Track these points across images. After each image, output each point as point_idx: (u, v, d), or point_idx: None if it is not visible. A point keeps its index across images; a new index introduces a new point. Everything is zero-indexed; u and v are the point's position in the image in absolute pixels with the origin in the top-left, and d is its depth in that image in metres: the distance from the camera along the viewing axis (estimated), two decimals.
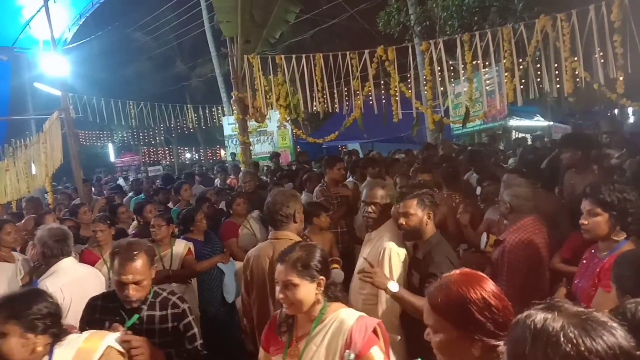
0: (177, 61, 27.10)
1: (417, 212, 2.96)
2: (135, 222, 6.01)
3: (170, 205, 6.99)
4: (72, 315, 2.96)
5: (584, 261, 2.68)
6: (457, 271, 1.56)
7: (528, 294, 2.76)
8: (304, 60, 7.90)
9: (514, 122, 14.28)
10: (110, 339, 2.20)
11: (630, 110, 18.49)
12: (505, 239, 3.13)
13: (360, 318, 2.07)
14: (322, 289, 2.12)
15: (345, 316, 2.09)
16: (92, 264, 4.40)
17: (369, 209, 3.27)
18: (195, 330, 2.68)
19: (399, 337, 3.01)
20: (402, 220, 3.02)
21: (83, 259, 4.46)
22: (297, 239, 3.01)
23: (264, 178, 9.40)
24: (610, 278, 2.29)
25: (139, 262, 2.53)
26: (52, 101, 12.54)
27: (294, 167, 9.95)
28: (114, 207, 6.64)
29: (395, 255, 3.07)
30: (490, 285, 1.49)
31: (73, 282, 3.38)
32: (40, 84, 13.61)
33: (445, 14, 10.95)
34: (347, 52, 7.70)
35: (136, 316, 2.55)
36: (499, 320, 1.42)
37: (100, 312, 2.63)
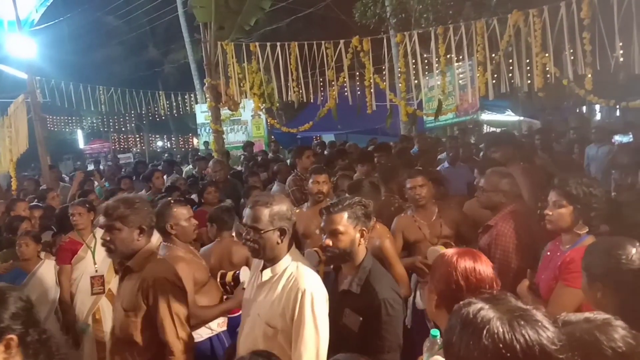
0: (149, 46, 26.54)
1: (349, 230, 2.40)
2: None
3: (143, 192, 6.86)
4: None
5: (548, 253, 2.73)
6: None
7: (519, 276, 2.81)
8: (278, 48, 7.83)
9: (485, 116, 14.48)
10: None
11: (597, 107, 18.99)
12: (497, 224, 3.18)
13: None
14: (13, 350, 1.58)
15: None
16: (75, 251, 4.31)
17: (248, 236, 2.32)
18: None
19: None
20: (328, 241, 2.42)
21: (65, 246, 4.36)
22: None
23: (239, 167, 9.32)
24: (570, 272, 2.37)
25: None
26: (18, 84, 12.12)
27: (259, 158, 9.83)
28: (85, 192, 6.49)
29: (319, 301, 2.25)
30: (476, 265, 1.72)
31: None
32: (4, 65, 13.14)
33: (420, 6, 10.98)
34: (323, 42, 7.66)
35: None
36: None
37: None
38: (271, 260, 2.34)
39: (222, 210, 4.04)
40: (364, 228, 2.45)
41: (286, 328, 2.24)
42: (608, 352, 1.22)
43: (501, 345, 0.99)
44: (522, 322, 1.02)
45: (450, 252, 1.79)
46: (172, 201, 3.35)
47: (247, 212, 2.34)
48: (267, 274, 2.34)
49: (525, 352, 0.98)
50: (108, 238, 2.51)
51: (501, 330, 1.00)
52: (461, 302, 1.15)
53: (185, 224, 3.21)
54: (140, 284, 2.47)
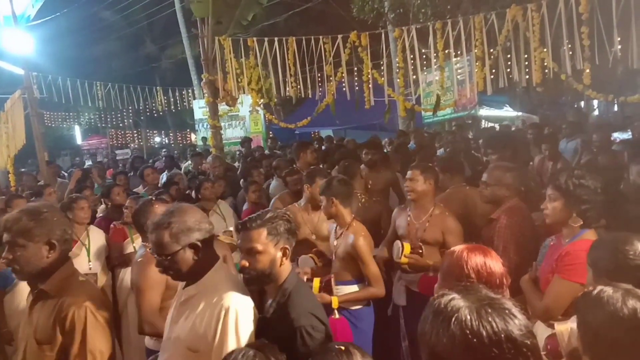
0: (146, 42, 26.41)
1: (268, 249, 2.09)
2: (103, 206, 5.88)
3: (140, 188, 6.85)
4: None
5: (550, 247, 2.73)
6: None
7: (519, 270, 2.82)
8: (276, 43, 7.81)
9: (483, 111, 14.49)
10: None
11: (595, 102, 19.00)
12: (499, 217, 3.19)
13: None
14: None
15: None
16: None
17: (161, 264, 2.10)
18: None
19: None
20: (244, 262, 2.11)
21: None
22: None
23: (236, 164, 9.30)
24: (565, 264, 2.37)
25: None
26: (15, 80, 12.07)
27: (256, 153, 9.80)
28: (80, 188, 6.48)
29: (244, 320, 2.01)
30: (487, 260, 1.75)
31: None
32: (0, 61, 13.10)
33: (419, 1, 10.95)
34: (320, 37, 7.64)
35: None
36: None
37: None
38: (195, 279, 2.11)
39: None
40: (287, 246, 2.15)
41: (208, 351, 1.98)
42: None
43: (468, 332, 1.03)
44: (490, 310, 1.06)
45: (460, 247, 1.82)
46: (153, 199, 3.24)
47: (150, 238, 2.13)
48: (190, 291, 2.11)
49: (492, 338, 1.02)
50: (10, 257, 2.07)
51: (468, 317, 1.05)
52: (436, 294, 1.19)
53: None
54: (56, 313, 2.07)
